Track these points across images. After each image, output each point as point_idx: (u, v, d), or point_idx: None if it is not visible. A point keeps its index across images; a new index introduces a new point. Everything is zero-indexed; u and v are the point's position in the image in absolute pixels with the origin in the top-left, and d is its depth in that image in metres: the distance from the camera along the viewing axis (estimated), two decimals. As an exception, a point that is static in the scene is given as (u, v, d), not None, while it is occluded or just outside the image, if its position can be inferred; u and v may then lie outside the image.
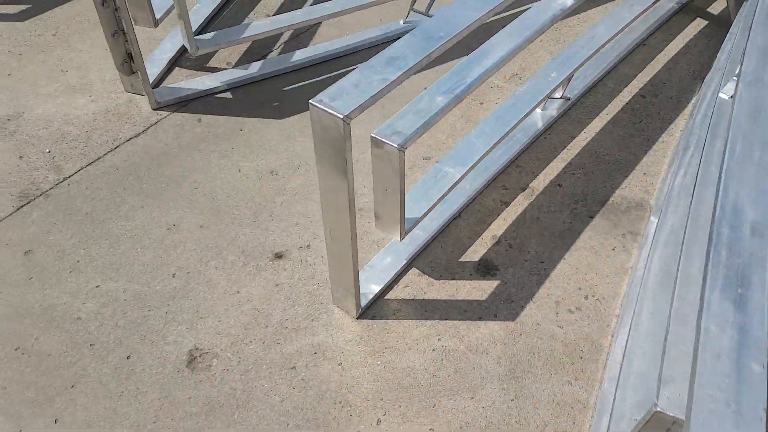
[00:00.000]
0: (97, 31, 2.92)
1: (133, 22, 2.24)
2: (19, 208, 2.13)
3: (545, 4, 2.07)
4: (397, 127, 1.64)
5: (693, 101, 2.67)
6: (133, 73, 2.44)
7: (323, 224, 1.64)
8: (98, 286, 1.93)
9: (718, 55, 2.83)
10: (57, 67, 2.72)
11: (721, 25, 3.09)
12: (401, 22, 3.00)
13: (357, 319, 1.85)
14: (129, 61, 2.40)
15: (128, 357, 1.76)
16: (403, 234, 1.76)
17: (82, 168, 2.28)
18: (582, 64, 2.41)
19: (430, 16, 3.02)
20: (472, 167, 2.00)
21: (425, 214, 1.85)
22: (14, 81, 2.64)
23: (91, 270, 1.96)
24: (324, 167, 1.49)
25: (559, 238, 2.10)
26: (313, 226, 2.12)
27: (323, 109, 1.36)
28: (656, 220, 2.14)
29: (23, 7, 3.07)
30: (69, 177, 2.25)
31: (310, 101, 1.38)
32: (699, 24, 3.12)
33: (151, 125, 2.46)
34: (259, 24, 2.53)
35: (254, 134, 2.45)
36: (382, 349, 1.79)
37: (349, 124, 1.37)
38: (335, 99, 1.38)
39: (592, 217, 2.18)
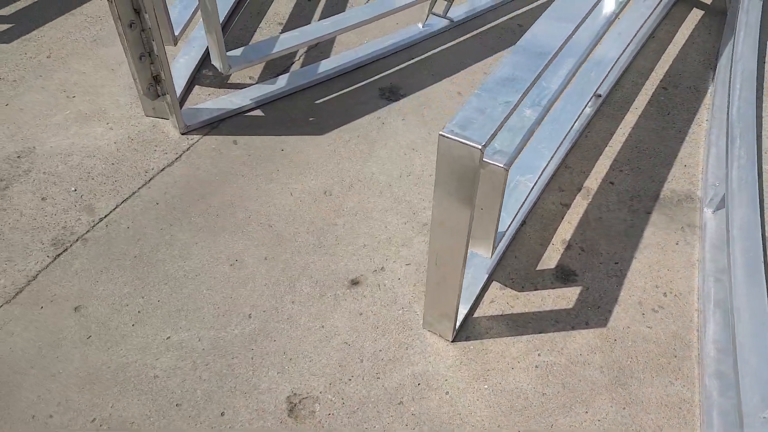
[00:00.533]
0: (96, 50, 2.71)
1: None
2: (56, 258, 1.95)
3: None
4: (496, 146, 1.58)
5: (710, 90, 2.73)
6: (159, 96, 2.27)
7: (429, 250, 1.58)
8: (169, 337, 1.79)
9: (720, 46, 2.92)
10: (61, 93, 2.50)
11: (716, 14, 3.18)
12: (420, 26, 2.92)
13: (452, 342, 1.80)
14: (155, 85, 2.23)
15: (222, 414, 1.64)
16: (494, 251, 1.72)
17: (117, 206, 2.11)
18: (617, 61, 2.43)
19: (450, 20, 2.98)
20: (542, 174, 1.98)
21: (509, 227, 1.81)
22: (14, 111, 2.41)
23: (156, 320, 1.82)
24: (445, 196, 1.42)
25: (625, 237, 2.11)
26: (382, 247, 2.04)
27: (456, 140, 1.29)
28: (710, 212, 2.19)
29: (5, 26, 2.81)
30: (105, 217, 2.07)
31: (440, 134, 1.31)
32: (697, 14, 3.20)
33: (184, 152, 2.30)
34: (290, 37, 2.40)
35: (297, 153, 2.33)
36: (485, 372, 1.74)
37: (483, 152, 1.30)
38: (466, 128, 1.31)
39: (649, 213, 2.20)
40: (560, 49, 1.55)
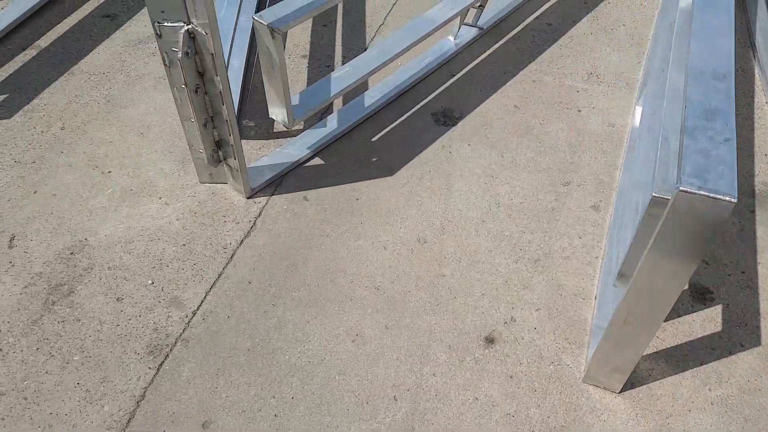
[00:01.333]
0: (115, 112, 2.42)
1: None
2: (159, 368, 1.71)
3: None
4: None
5: (756, 70, 2.69)
6: (222, 161, 2.03)
7: (619, 307, 1.44)
8: (315, 437, 1.59)
9: (750, 23, 2.87)
10: (93, 169, 2.21)
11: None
12: (452, 39, 2.76)
13: (619, 393, 1.68)
14: (218, 150, 1.99)
15: None
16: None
17: (206, 293, 1.87)
18: None
19: (480, 28, 2.82)
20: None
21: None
22: (47, 199, 2.11)
23: (298, 421, 1.61)
24: (667, 254, 1.27)
25: (740, 242, 2.04)
26: (501, 294, 1.89)
27: (701, 194, 1.14)
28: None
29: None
30: (198, 309, 1.84)
31: (680, 189, 1.15)
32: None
33: (256, 218, 2.07)
34: (344, 74, 2.20)
35: (373, 200, 2.15)
36: (665, 420, 1.63)
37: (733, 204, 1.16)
38: (705, 180, 1.16)
39: (752, 212, 2.14)
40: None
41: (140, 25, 2.86)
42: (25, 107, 2.44)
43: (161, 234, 2.02)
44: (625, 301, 1.41)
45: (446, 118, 2.48)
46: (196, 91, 1.77)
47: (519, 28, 2.94)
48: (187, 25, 1.64)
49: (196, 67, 1.74)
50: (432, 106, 2.53)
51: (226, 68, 1.88)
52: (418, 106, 2.52)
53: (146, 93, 2.51)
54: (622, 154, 2.36)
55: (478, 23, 2.82)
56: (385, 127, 2.43)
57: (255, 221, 2.07)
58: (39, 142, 2.31)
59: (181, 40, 1.63)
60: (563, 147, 2.38)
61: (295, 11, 1.82)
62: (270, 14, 1.79)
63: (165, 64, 1.72)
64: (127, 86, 2.54)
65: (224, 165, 2.06)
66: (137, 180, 2.18)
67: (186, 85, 1.72)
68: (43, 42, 2.75)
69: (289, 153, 2.24)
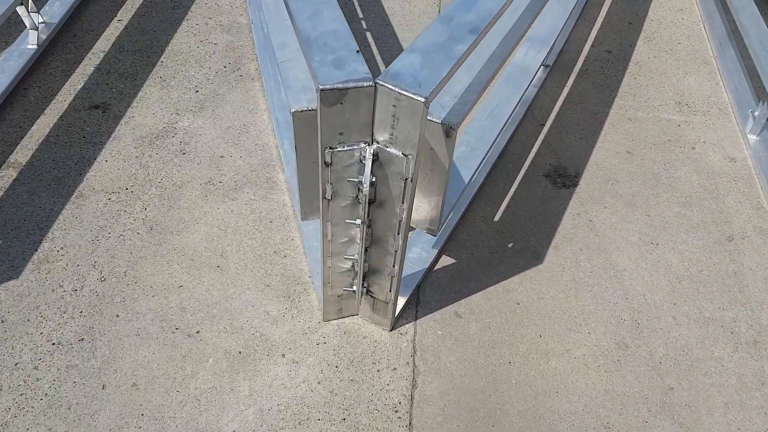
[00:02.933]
0: (167, 242, 1.84)
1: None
2: None
3: None
4: None
5: None
6: (368, 293, 1.55)
7: None
8: None
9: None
10: (174, 332, 1.63)
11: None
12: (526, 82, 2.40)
13: None
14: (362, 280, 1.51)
15: None
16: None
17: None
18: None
19: (548, 65, 2.49)
20: None
21: None
22: (126, 394, 1.51)
23: None
24: None
25: None
26: (743, 399, 1.55)
27: None
28: None
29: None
30: None
31: None
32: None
33: (413, 356, 1.60)
34: (466, 154, 1.77)
35: (538, 301, 1.74)
36: None
37: None
38: None
39: None
40: None
41: (145, 114, 2.27)
42: (34, 256, 1.80)
43: (307, 410, 1.49)
44: None
45: (563, 178, 2.12)
46: (370, 225, 1.29)
47: (582, 60, 2.64)
48: (371, 144, 1.16)
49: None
50: (539, 166, 2.16)
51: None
52: (524, 169, 2.14)
53: (197, 207, 1.95)
54: (761, 192, 2.11)
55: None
56: (501, 201, 2.03)
57: (414, 361, 1.59)
58: (77, 306, 1.69)
59: (368, 167, 1.15)
60: (701, 194, 2.10)
61: (463, 100, 1.39)
62: (438, 109, 1.34)
63: (324, 198, 1.23)
64: (166, 202, 1.96)
65: (365, 297, 1.58)
66: (241, 336, 1.63)
67: (362, 220, 1.24)
68: (21, 156, 2.09)
69: (417, 258, 1.78)
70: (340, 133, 1.12)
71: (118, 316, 1.67)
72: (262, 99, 2.33)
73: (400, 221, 1.30)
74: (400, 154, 1.16)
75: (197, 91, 2.36)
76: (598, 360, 1.63)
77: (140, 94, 2.34)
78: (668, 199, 2.07)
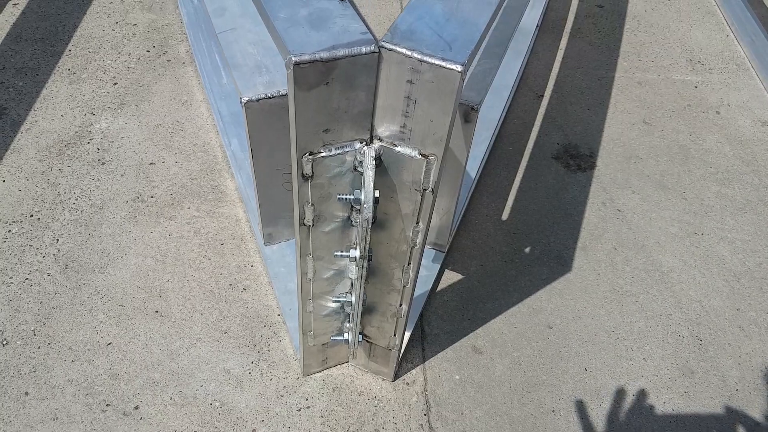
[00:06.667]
0: (87, 284, 1.38)
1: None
2: None
3: None
4: None
5: None
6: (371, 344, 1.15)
7: None
8: None
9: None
10: (107, 414, 1.19)
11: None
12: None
13: None
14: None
15: None
16: None
17: None
18: None
19: (538, 25, 2.12)
20: None
21: None
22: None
23: None
24: None
25: None
26: None
27: None
28: None
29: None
30: None
31: None
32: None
33: (426, 414, 1.21)
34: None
35: (575, 321, 1.38)
36: None
37: None
38: None
39: None
40: None
41: (52, 117, 1.78)
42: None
43: None
44: None
45: (577, 160, 1.76)
46: (370, 258, 0.89)
47: (572, 17, 2.27)
48: (371, 143, 0.75)
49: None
50: (546, 146, 1.79)
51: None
52: (527, 152, 1.77)
53: (124, 233, 1.49)
54: (805, 159, 1.80)
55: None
56: (506, 194, 1.65)
57: (429, 421, 1.21)
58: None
59: (369, 176, 0.74)
60: (739, 167, 1.77)
61: (483, 82, 0.99)
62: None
63: (303, 224, 0.82)
64: (84, 230, 1.49)
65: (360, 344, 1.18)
66: (195, 409, 1.20)
67: (360, 253, 0.83)
68: None
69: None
70: (326, 130, 0.71)
71: (27, 393, 1.22)
72: (198, 87, 1.88)
73: (413, 248, 0.89)
74: (417, 154, 0.75)
75: (115, 84, 1.88)
76: (662, 395, 1.28)
77: (44, 92, 1.85)
78: (703, 176, 1.74)
